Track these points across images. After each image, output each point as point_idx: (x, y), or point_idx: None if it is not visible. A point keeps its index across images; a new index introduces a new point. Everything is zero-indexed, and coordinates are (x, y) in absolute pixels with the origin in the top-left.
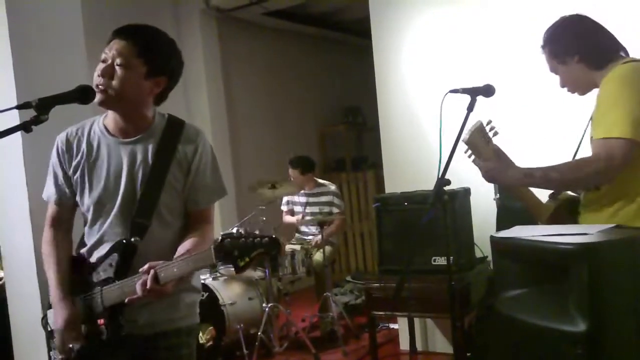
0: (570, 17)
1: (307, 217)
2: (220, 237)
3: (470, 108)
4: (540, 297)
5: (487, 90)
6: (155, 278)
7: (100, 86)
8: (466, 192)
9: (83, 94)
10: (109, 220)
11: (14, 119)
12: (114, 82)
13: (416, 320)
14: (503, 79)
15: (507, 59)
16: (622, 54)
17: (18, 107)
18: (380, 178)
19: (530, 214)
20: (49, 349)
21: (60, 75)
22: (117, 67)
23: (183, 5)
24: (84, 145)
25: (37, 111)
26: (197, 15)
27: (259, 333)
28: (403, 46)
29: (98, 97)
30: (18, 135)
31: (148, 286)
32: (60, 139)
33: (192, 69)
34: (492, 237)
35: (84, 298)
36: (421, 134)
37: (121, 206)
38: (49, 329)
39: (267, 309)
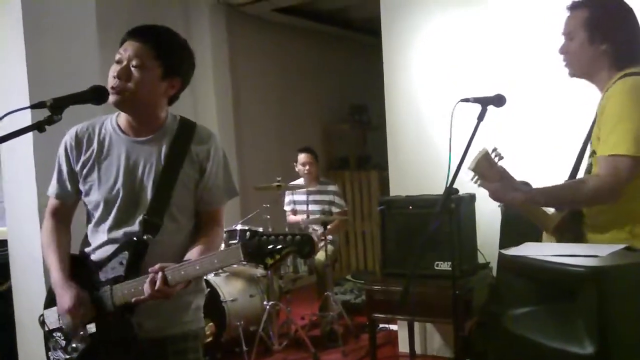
0: (623, 3)
1: (310, 216)
2: (247, 235)
3: (480, 117)
4: (547, 317)
5: (499, 100)
6: (165, 280)
7: (116, 87)
8: (471, 198)
9: (97, 95)
10: (117, 219)
11: (25, 115)
12: (130, 84)
13: (416, 323)
14: (514, 86)
15: (519, 66)
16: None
17: (32, 107)
18: (383, 178)
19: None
20: (47, 349)
21: (73, 70)
22: (133, 69)
23: None
24: (94, 143)
25: (51, 111)
26: (206, 10)
27: (259, 330)
28: (413, 47)
29: (113, 98)
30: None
31: (157, 287)
32: (70, 134)
33: (200, 64)
34: (500, 254)
35: (93, 294)
36: (428, 136)
37: (131, 205)
38: (47, 329)
39: (267, 307)
